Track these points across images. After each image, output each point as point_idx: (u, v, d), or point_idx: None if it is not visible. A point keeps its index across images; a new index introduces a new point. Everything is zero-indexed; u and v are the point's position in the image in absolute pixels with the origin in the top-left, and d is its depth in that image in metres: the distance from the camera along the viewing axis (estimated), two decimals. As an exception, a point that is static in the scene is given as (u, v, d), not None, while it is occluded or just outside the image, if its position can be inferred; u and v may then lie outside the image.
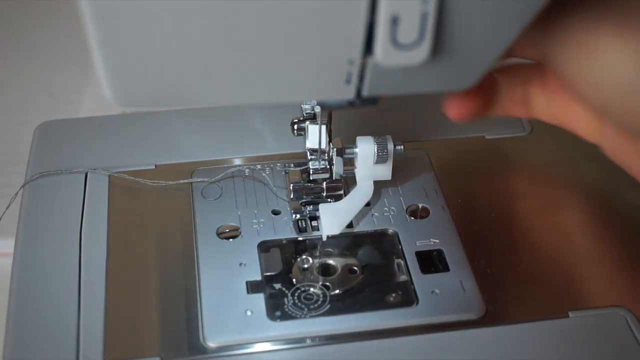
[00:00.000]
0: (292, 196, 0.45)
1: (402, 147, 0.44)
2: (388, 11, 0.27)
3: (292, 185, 0.45)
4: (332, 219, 0.44)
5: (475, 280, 0.42)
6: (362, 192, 0.45)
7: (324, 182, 0.45)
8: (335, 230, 0.44)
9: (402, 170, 0.48)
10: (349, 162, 0.45)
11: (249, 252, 0.43)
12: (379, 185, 0.46)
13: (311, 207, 0.45)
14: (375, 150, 0.43)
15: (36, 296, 0.41)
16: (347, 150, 0.44)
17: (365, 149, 0.43)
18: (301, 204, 0.45)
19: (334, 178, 0.45)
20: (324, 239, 0.44)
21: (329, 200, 0.45)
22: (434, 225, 0.45)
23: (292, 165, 0.47)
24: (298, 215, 0.45)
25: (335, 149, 0.44)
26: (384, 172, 0.45)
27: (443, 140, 0.51)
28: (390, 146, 0.44)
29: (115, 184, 0.48)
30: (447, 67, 0.30)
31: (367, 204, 0.46)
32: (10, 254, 0.44)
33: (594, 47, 0.33)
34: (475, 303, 0.41)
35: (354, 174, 0.45)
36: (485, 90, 0.46)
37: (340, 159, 0.44)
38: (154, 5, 0.28)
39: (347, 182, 0.46)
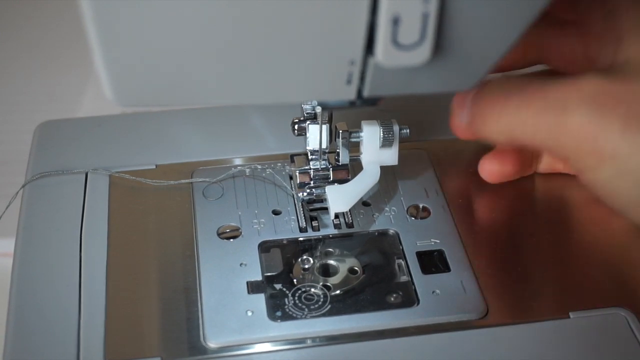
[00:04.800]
0: (297, 181, 0.45)
1: (407, 130, 0.43)
2: (389, 11, 0.27)
3: (297, 170, 0.45)
4: (339, 197, 0.43)
5: (476, 280, 0.42)
6: (369, 174, 0.44)
7: (330, 169, 0.45)
8: (343, 208, 0.43)
9: (402, 171, 0.48)
10: (355, 149, 0.44)
11: (250, 252, 0.43)
12: (379, 185, 0.46)
13: (315, 193, 0.45)
14: (381, 133, 0.43)
15: (36, 296, 0.41)
16: (353, 134, 0.43)
17: (370, 132, 0.43)
18: (307, 189, 0.45)
19: (340, 163, 0.44)
20: (332, 217, 0.44)
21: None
22: (435, 225, 0.45)
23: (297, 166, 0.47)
24: (305, 194, 0.45)
25: (341, 132, 0.43)
26: (390, 156, 0.44)
27: (443, 140, 0.51)
28: (396, 128, 0.43)
29: (116, 184, 0.47)
30: (448, 68, 0.30)
31: (368, 204, 0.46)
32: (10, 254, 0.44)
33: (601, 154, 0.33)
34: (476, 303, 0.40)
35: (359, 160, 0.44)
36: (522, 153, 0.46)
37: (345, 149, 0.44)
38: (154, 5, 0.28)
39: (354, 170, 0.45)
